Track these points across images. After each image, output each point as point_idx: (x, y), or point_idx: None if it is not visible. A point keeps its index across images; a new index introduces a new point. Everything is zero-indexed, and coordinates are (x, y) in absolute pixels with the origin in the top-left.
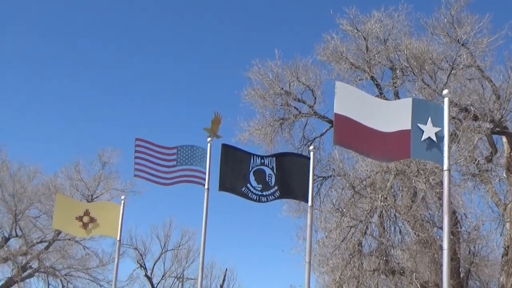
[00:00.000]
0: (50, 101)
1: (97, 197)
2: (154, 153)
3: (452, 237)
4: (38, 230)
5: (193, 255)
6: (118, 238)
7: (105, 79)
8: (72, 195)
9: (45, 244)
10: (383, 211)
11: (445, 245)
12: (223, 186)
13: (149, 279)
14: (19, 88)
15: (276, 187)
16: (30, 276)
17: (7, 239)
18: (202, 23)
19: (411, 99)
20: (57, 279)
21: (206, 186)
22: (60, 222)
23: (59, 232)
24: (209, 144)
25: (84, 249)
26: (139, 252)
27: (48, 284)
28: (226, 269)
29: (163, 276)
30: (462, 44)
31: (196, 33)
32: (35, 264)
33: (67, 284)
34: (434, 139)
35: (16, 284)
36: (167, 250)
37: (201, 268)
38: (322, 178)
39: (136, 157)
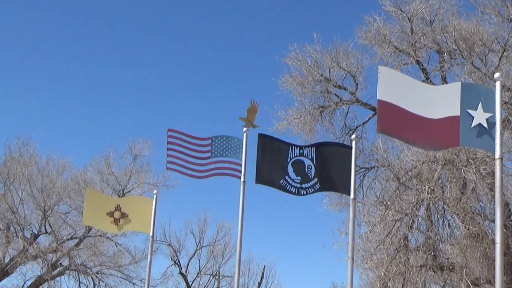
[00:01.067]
0: (79, 91)
1: (128, 191)
2: (187, 145)
3: (505, 230)
4: (68, 226)
5: (230, 252)
6: (151, 234)
7: (135, 68)
8: (102, 189)
9: (76, 240)
10: (431, 204)
11: (498, 239)
12: (260, 179)
13: (184, 276)
14: (46, 78)
15: (316, 179)
16: (60, 274)
17: (36, 236)
18: (236, 7)
19: (460, 83)
20: (88, 277)
21: (242, 179)
22: (91, 218)
23: (90, 228)
24: (245, 135)
25: (116, 246)
26: (173, 248)
27: (79, 282)
28: (264, 266)
29: (198, 274)
30: None
31: (231, 18)
32: (65, 262)
33: (99, 282)
34: (485, 125)
35: (46, 283)
36: (202, 247)
37: (238, 265)
38: (365, 169)
39: (168, 149)
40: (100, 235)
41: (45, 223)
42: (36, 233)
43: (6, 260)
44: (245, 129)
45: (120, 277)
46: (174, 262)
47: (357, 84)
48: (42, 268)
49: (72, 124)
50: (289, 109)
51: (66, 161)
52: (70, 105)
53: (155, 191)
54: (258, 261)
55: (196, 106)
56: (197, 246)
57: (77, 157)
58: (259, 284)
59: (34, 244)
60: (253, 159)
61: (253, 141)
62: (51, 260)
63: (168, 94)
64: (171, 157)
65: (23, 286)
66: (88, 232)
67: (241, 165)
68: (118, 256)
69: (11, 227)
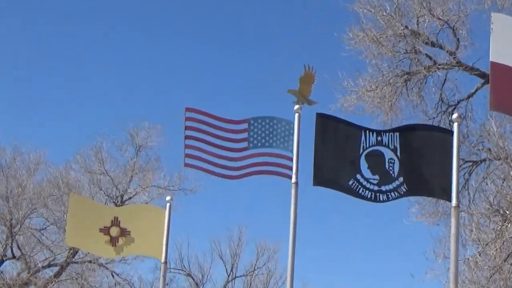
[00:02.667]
0: (56, 57)
1: (129, 198)
2: (214, 131)
3: None
4: (45, 248)
5: (275, 284)
6: (163, 260)
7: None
8: (92, 196)
9: (55, 269)
10: None
11: None
12: (319, 179)
13: None
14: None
15: (401, 179)
16: None
17: None
18: None
19: None
20: None
21: (293, 179)
22: (77, 237)
23: (76, 251)
24: (297, 115)
25: (113, 277)
26: (193, 280)
27: None
28: None
29: None
30: None
31: None
32: None
33: None
34: None
35: None
36: (235, 277)
37: None
38: (471, 164)
39: (187, 137)
40: (91, 261)
41: (11, 243)
42: (0, 257)
43: None
44: (297, 107)
45: None
46: None
47: (458, 40)
48: None
49: (48, 103)
50: (360, 78)
51: (40, 154)
52: (43, 78)
53: (168, 198)
54: None
55: (224, 76)
56: (229, 276)
57: (55, 150)
58: None
59: None
60: (309, 150)
61: (308, 124)
62: None
63: (183, 61)
64: (191, 149)
65: None
66: (73, 257)
67: (291, 160)
68: None
69: None
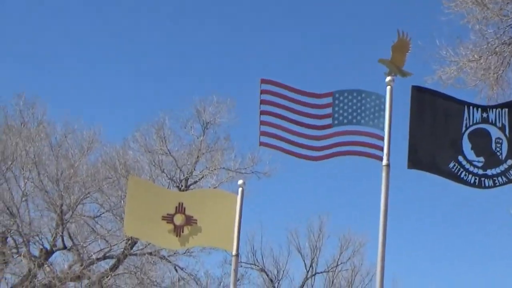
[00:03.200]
0: (112, 27)
1: (195, 182)
2: (293, 105)
3: None
4: (99, 238)
5: (361, 282)
6: (234, 253)
7: None
8: (153, 179)
9: (111, 261)
10: None
11: None
12: (414, 161)
13: None
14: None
15: (510, 162)
16: None
17: (49, 253)
18: None
19: None
20: None
21: (385, 161)
22: (136, 225)
23: (134, 242)
24: (389, 88)
25: (177, 271)
26: (268, 276)
27: None
28: None
29: None
30: None
31: None
32: None
33: None
34: None
35: None
36: (315, 273)
37: None
38: None
39: (262, 113)
40: (151, 253)
41: (62, 232)
42: (49, 248)
43: None
44: (388, 78)
45: None
46: None
47: None
48: None
49: (103, 76)
50: (461, 46)
51: (95, 132)
52: (97, 47)
53: (240, 182)
54: None
55: (303, 44)
56: (308, 272)
57: (112, 127)
58: None
59: (45, 265)
60: (403, 128)
61: (402, 98)
62: None
63: (257, 28)
64: (267, 126)
65: None
66: (131, 248)
67: (382, 139)
68: (180, 287)
69: (9, 239)
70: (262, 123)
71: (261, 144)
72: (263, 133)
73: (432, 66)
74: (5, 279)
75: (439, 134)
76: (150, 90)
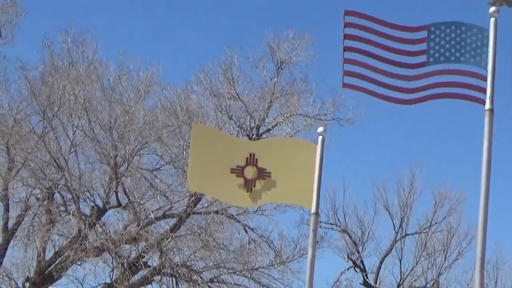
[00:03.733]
0: None
1: (268, 130)
2: (382, 41)
3: None
4: (158, 194)
5: (458, 246)
6: (313, 210)
7: None
8: (220, 126)
9: (172, 221)
10: None
11: None
12: None
13: None
14: None
15: None
16: (146, 281)
17: (101, 211)
18: None
19: None
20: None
21: (488, 106)
22: (201, 179)
23: (198, 198)
24: (493, 20)
25: (247, 232)
26: (351, 238)
27: None
28: None
29: (399, 286)
30: None
31: None
32: (154, 260)
33: None
34: None
35: None
36: (405, 235)
37: (480, 269)
38: None
39: (346, 49)
40: (217, 212)
41: (116, 187)
42: (101, 206)
43: (49, 255)
44: (493, 9)
45: None
46: (354, 263)
47: None
48: (113, 269)
49: (162, 10)
50: None
51: (153, 74)
52: None
53: (320, 129)
54: None
55: None
56: (397, 234)
57: (173, 67)
58: None
59: (97, 225)
60: (508, 66)
61: (508, 31)
62: (129, 257)
63: None
64: (351, 64)
65: None
66: (195, 206)
67: (485, 79)
68: (250, 251)
69: (56, 195)
70: (346, 61)
71: (344, 85)
72: (346, 73)
73: None
74: (52, 240)
75: None
76: (216, 26)
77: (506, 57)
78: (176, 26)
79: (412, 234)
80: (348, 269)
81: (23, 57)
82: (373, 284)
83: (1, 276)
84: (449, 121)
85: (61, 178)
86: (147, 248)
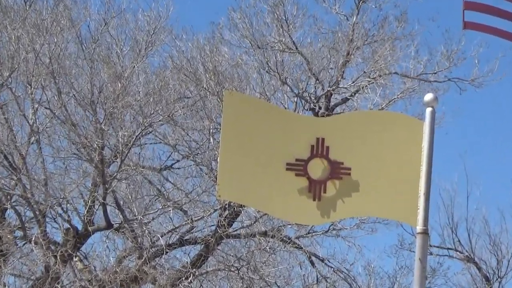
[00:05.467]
0: None
1: (344, 101)
2: None
3: None
4: (171, 208)
5: None
6: (419, 228)
7: None
8: (268, 97)
9: (195, 249)
10: None
11: None
12: None
13: None
14: None
15: None
16: None
17: (81, 237)
18: None
19: None
20: None
21: None
22: (238, 183)
23: (235, 214)
24: None
25: (313, 265)
26: (481, 271)
27: None
28: None
29: None
30: None
31: None
32: None
33: None
34: None
35: None
36: None
37: None
38: None
39: None
40: (266, 233)
41: (104, 198)
42: (81, 227)
43: None
44: None
45: None
46: None
47: None
48: None
49: None
50: None
51: (160, 15)
52: None
53: (428, 97)
54: None
55: None
56: None
57: (190, 4)
58: None
59: (76, 260)
60: None
61: None
62: None
63: None
64: None
65: None
66: (230, 225)
67: None
68: None
69: (10, 212)
70: None
71: (467, 26)
72: (468, 5)
73: None
74: (5, 285)
75: None
76: None
77: None
78: None
79: None
80: None
81: None
82: None
83: None
84: None
85: (16, 185)
86: None
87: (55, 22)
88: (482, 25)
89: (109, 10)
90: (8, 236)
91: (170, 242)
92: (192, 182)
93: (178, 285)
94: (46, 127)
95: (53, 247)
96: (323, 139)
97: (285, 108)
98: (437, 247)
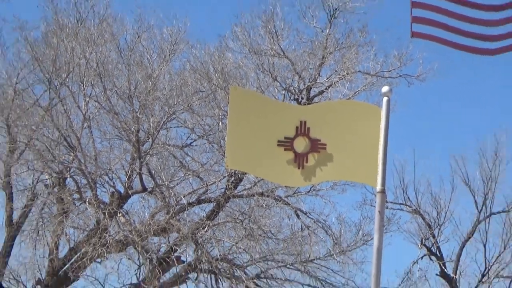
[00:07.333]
0: None
1: (320, 92)
2: None
3: None
4: (191, 175)
5: None
6: (378, 188)
7: None
8: (263, 90)
9: (209, 206)
10: None
11: None
12: None
13: (451, 282)
14: None
15: None
16: (179, 279)
17: (123, 198)
18: None
19: None
20: (240, 285)
21: None
22: (242, 155)
23: (239, 179)
24: None
25: (298, 217)
26: (424, 219)
27: None
28: None
29: (484, 276)
30: None
31: None
32: (188, 254)
33: None
34: None
35: None
36: (491, 214)
37: None
38: None
39: None
40: (263, 194)
41: (140, 168)
42: (123, 191)
43: (63, 253)
44: None
45: (309, 286)
46: (429, 250)
47: None
48: (139, 268)
49: None
50: None
51: (179, 29)
52: None
53: (385, 89)
54: None
55: None
56: (480, 213)
57: (202, 21)
58: None
59: (119, 215)
60: None
61: None
62: (158, 251)
63: None
64: (421, 9)
65: None
66: (235, 188)
67: None
68: (303, 239)
69: (69, 181)
70: (414, 4)
71: (414, 34)
72: (416, 19)
73: None
74: (66, 234)
75: None
76: None
77: None
78: None
79: (498, 213)
80: (422, 257)
81: (21, 15)
82: (452, 275)
83: (8, 279)
84: None
85: (73, 159)
86: (179, 240)
87: (100, 35)
88: (426, 34)
89: (141, 26)
90: (68, 198)
91: (190, 201)
92: (206, 156)
93: (197, 234)
94: (95, 116)
95: (102, 206)
96: (305, 122)
97: (276, 98)
98: (392, 202)
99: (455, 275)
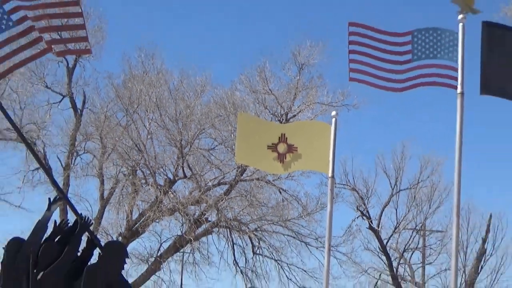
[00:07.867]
0: None
1: (294, 116)
2: (377, 44)
3: None
4: (214, 167)
5: (440, 197)
6: (329, 175)
7: None
8: (258, 114)
9: (225, 187)
10: None
11: None
12: (487, 88)
13: (376, 232)
14: None
15: None
16: (207, 232)
17: (172, 182)
18: None
19: None
20: (245, 236)
21: (459, 90)
22: (246, 154)
23: (244, 169)
24: (461, 25)
25: (280, 193)
26: (359, 194)
27: (233, 243)
28: (491, 216)
29: (395, 229)
30: None
31: None
32: (212, 216)
33: (259, 242)
34: None
35: (189, 244)
36: (399, 190)
37: (457, 214)
38: None
39: (351, 52)
40: (258, 179)
41: (182, 164)
42: (172, 177)
43: (135, 216)
44: (461, 16)
45: (288, 235)
46: (362, 213)
47: None
48: (182, 225)
49: (211, 28)
50: None
51: (206, 77)
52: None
53: (333, 113)
54: (481, 210)
55: None
56: (393, 190)
57: (220, 72)
58: (484, 240)
59: (169, 193)
60: (474, 61)
61: (474, 33)
62: (194, 215)
63: None
64: (355, 63)
65: (159, 249)
66: (241, 175)
67: (456, 70)
68: (284, 206)
69: (138, 171)
70: (351, 61)
71: (351, 79)
72: (352, 70)
73: (499, 4)
74: (137, 205)
75: (510, 63)
76: (252, 39)
77: (473, 53)
78: (223, 39)
79: (404, 189)
80: (357, 217)
81: (109, 69)
82: (376, 228)
83: (101, 233)
84: (432, 103)
85: (141, 158)
86: (207, 208)
87: (157, 81)
88: (358, 79)
89: (183, 75)
90: (138, 182)
91: (214, 184)
92: (224, 155)
93: (218, 204)
94: (155, 131)
95: (159, 187)
96: (284, 134)
97: (266, 119)
98: (339, 183)
99: (378, 228)
